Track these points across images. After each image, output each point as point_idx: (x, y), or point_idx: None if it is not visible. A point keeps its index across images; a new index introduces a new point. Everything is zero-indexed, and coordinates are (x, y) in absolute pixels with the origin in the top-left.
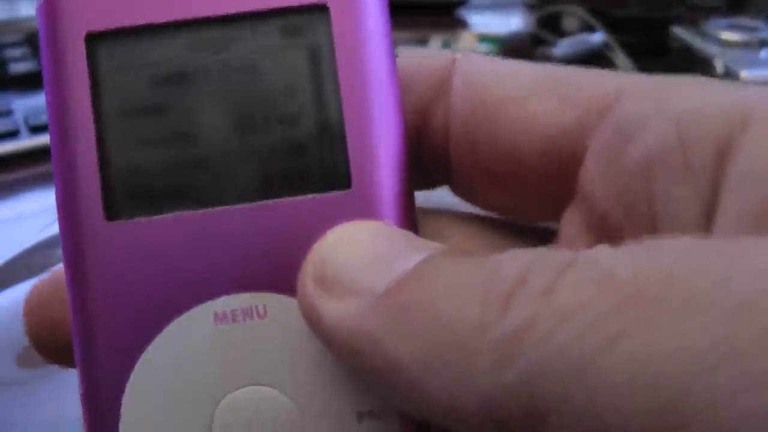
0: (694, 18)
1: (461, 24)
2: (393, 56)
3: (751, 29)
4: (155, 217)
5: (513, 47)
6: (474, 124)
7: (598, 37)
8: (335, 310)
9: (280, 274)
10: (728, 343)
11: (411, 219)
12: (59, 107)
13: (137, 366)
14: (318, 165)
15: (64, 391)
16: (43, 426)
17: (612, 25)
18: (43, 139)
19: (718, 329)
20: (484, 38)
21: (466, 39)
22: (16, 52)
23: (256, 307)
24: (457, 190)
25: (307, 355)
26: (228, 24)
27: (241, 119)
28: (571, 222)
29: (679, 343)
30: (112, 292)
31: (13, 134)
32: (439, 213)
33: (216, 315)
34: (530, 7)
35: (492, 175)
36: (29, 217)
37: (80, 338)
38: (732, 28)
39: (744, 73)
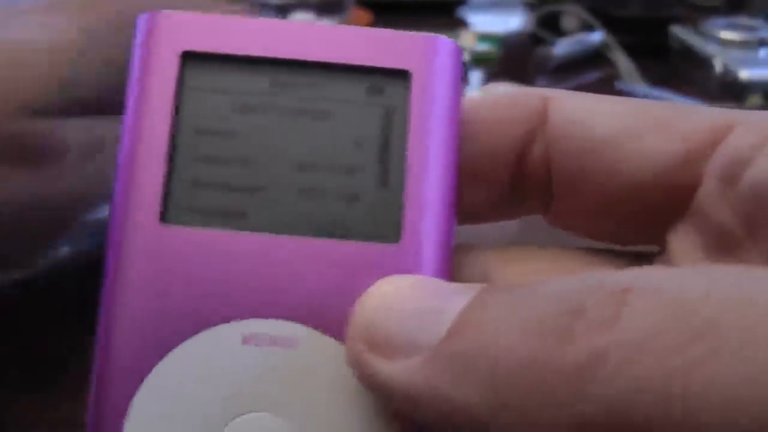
0: (694, 17)
1: (461, 23)
2: (460, 120)
3: (751, 28)
4: (206, 229)
5: (513, 46)
6: (583, 159)
7: (597, 37)
8: (392, 371)
9: (318, 310)
10: None
11: (450, 274)
12: (141, 110)
13: (158, 367)
14: (372, 215)
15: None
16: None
17: (611, 25)
18: None
19: None
20: (483, 37)
21: (466, 38)
22: None
23: (288, 336)
24: (556, 219)
25: (326, 395)
26: (315, 70)
27: (307, 158)
28: (682, 240)
29: (759, 369)
30: (148, 290)
31: None
32: (517, 248)
33: (245, 336)
34: (530, 7)
35: (599, 205)
36: None
37: (104, 330)
38: (731, 27)
39: (743, 73)
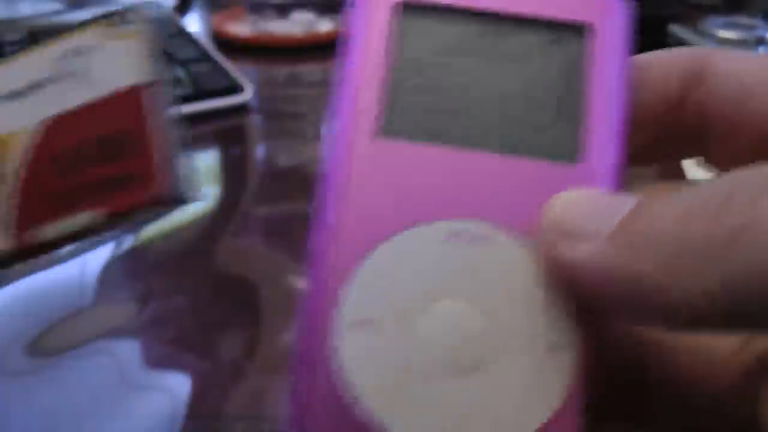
0: (692, 16)
1: None
2: (631, 70)
3: (749, 27)
4: (415, 143)
5: None
6: (739, 104)
7: None
8: (581, 252)
9: (512, 213)
10: None
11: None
12: (362, 48)
13: (368, 258)
14: (558, 140)
15: (65, 381)
16: (42, 415)
17: None
18: None
19: None
20: None
21: None
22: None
23: (487, 234)
24: (716, 161)
25: (516, 288)
26: (511, 21)
27: (502, 91)
28: None
29: None
30: (365, 192)
31: None
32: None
33: (447, 233)
34: None
35: (756, 145)
36: None
37: (323, 227)
38: (729, 26)
39: None
